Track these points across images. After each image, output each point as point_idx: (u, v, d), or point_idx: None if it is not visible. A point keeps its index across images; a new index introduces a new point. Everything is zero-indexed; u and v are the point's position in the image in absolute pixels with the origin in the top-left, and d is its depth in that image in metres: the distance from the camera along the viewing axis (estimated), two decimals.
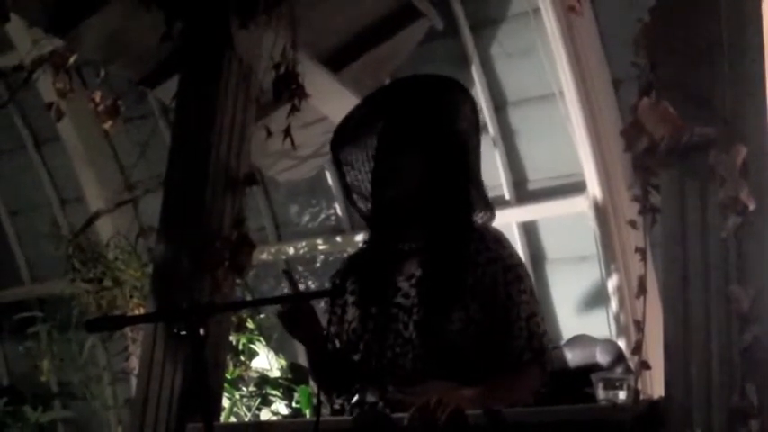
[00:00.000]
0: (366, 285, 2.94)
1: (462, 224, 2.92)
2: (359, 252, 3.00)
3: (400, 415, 2.74)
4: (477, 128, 2.99)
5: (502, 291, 2.84)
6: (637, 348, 2.57)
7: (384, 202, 2.91)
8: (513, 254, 2.92)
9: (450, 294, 2.84)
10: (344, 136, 3.01)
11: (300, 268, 6.66)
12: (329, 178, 6.29)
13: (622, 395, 2.61)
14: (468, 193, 2.93)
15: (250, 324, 5.82)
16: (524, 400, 2.79)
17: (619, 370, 2.95)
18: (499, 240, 2.91)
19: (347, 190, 3.02)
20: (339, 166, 3.01)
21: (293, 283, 2.92)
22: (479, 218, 2.97)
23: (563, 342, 3.16)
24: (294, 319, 2.87)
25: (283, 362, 5.86)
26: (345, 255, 5.94)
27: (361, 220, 3.08)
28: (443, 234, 2.88)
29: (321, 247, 6.49)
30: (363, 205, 3.01)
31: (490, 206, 2.99)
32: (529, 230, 5.75)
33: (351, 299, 2.96)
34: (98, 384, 6.60)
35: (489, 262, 2.86)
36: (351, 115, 3.03)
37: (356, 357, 2.90)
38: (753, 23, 2.62)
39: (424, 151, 2.88)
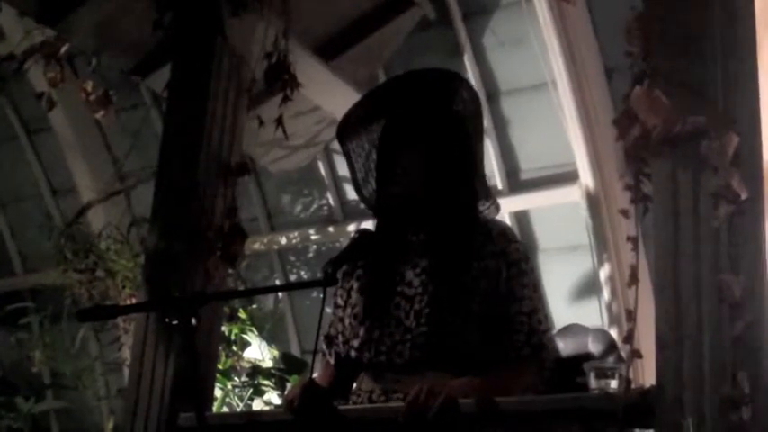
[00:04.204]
0: (372, 272, 2.94)
1: (467, 217, 2.91)
2: (361, 238, 2.96)
3: (394, 405, 2.74)
4: (478, 118, 2.99)
5: (504, 285, 2.83)
6: (628, 337, 2.57)
7: (390, 197, 2.91)
8: (519, 248, 2.89)
9: (453, 286, 2.83)
10: (348, 131, 3.01)
11: (293, 258, 6.66)
12: (321, 168, 6.29)
13: (614, 384, 2.61)
14: (472, 186, 2.93)
15: (242, 314, 5.83)
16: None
17: (610, 359, 2.94)
18: (505, 234, 2.90)
19: (356, 183, 3.03)
20: (348, 157, 3.02)
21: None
22: (486, 210, 2.97)
23: (555, 332, 3.15)
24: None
25: (276, 352, 5.87)
26: (338, 245, 5.96)
27: (355, 209, 3.07)
28: (449, 227, 2.88)
29: (313, 237, 6.48)
30: (369, 196, 3.01)
31: (492, 197, 2.99)
32: (521, 220, 5.76)
33: (356, 285, 2.97)
34: (90, 375, 6.60)
35: (494, 255, 2.85)
36: (353, 111, 3.02)
37: (356, 343, 2.90)
38: (745, 12, 2.61)
39: (427, 146, 2.87)
